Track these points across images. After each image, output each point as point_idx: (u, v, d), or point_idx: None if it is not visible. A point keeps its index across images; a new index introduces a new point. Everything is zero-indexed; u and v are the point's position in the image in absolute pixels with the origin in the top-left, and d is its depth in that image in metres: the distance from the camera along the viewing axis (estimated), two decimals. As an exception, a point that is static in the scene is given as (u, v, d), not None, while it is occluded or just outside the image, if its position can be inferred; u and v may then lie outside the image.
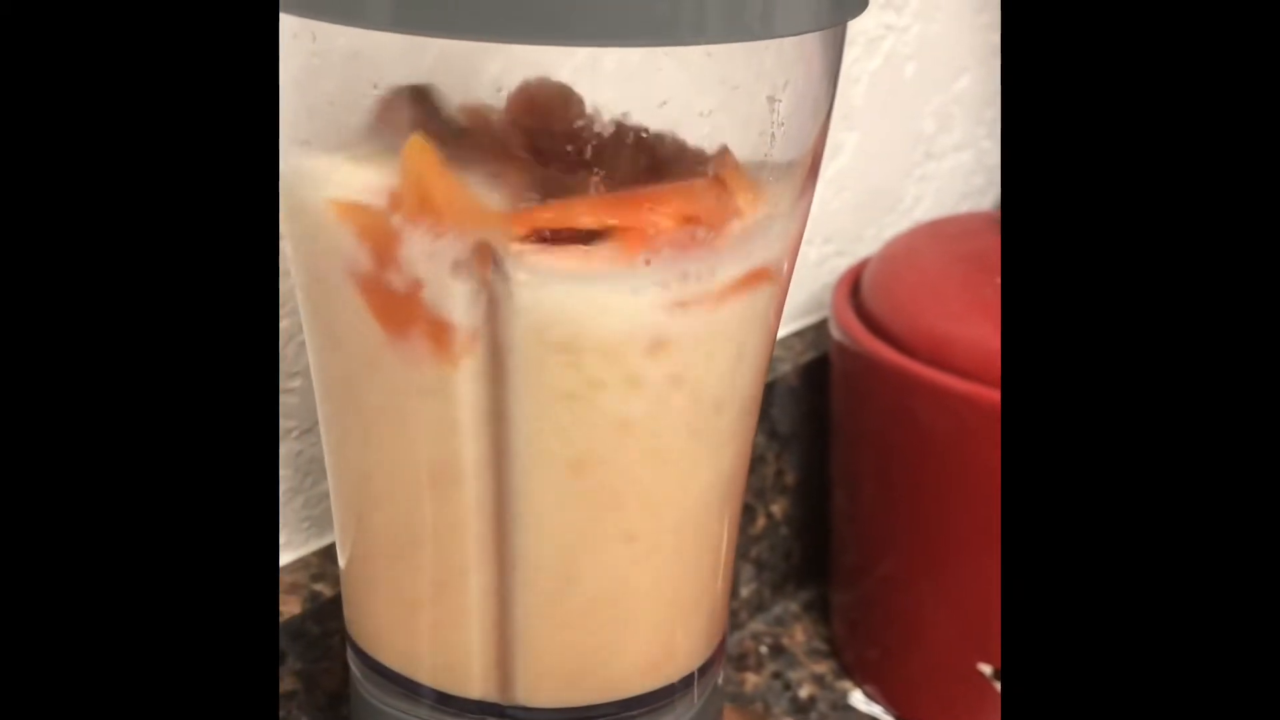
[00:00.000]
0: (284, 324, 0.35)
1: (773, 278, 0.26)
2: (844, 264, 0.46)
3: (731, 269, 0.25)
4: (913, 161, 0.49)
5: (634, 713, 0.28)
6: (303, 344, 0.36)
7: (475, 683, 0.27)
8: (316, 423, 0.37)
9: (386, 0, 0.21)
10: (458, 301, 0.24)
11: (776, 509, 0.46)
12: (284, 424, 0.36)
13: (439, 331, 0.24)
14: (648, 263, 0.24)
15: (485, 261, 0.23)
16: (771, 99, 0.24)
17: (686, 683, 0.29)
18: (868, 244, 0.48)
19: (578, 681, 0.27)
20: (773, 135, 0.24)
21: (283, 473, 0.36)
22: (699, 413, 0.26)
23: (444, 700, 0.28)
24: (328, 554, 0.37)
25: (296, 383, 0.36)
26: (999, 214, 0.45)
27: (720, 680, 0.30)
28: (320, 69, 0.24)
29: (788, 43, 0.23)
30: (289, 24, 0.23)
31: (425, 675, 0.28)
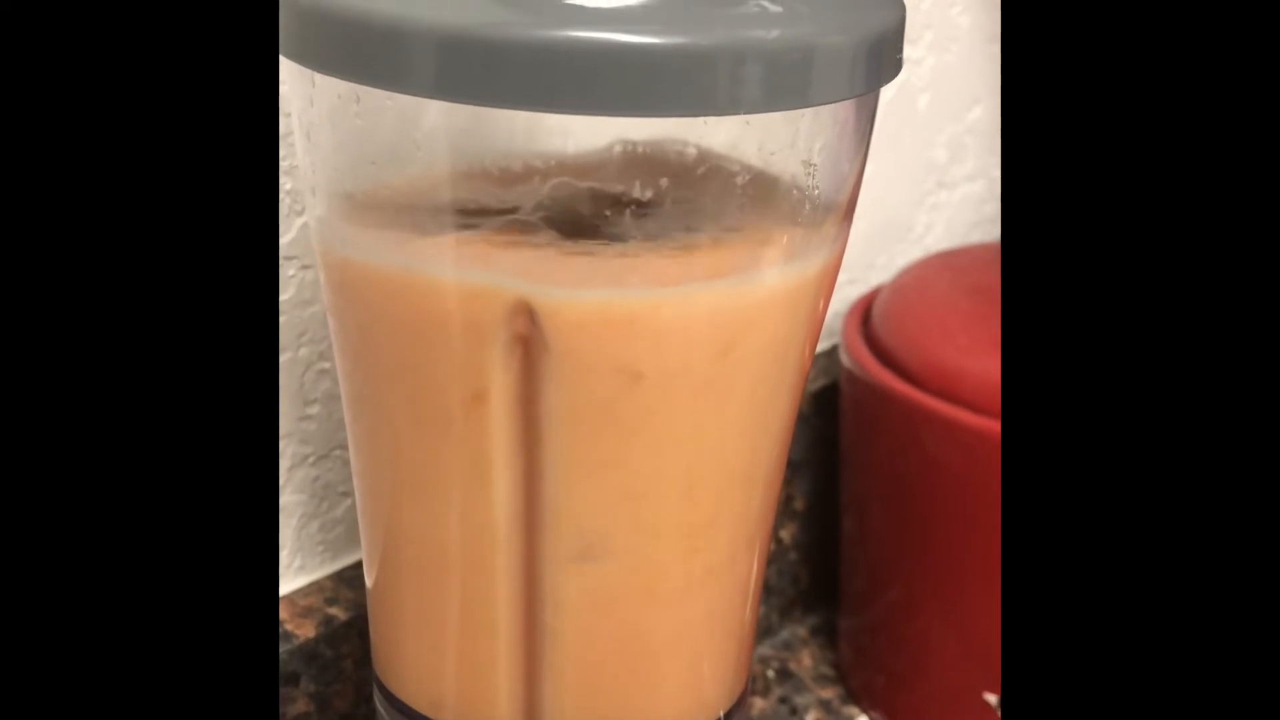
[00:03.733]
0: (303, 353, 0.35)
1: (809, 318, 0.26)
2: (855, 292, 0.47)
3: (768, 314, 0.25)
4: (925, 190, 0.50)
5: (660, 756, 0.28)
6: (321, 371, 0.36)
7: (501, 724, 0.28)
8: (333, 449, 0.37)
9: (429, 69, 0.21)
10: (495, 348, 0.24)
11: (785, 534, 0.46)
12: (301, 450, 0.36)
13: (475, 368, 0.25)
14: None
15: (523, 314, 0.24)
16: (807, 163, 0.24)
17: (713, 726, 0.29)
18: (879, 272, 0.49)
19: (604, 724, 0.28)
20: (807, 197, 0.25)
21: (298, 498, 0.37)
22: (735, 453, 0.26)
23: (470, 742, 0.28)
24: (341, 578, 0.38)
25: (314, 409, 0.36)
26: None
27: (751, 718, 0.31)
28: (364, 130, 0.25)
29: (823, 109, 0.24)
30: (332, 85, 0.24)
31: (451, 715, 0.28)
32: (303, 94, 0.25)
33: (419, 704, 0.29)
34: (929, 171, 0.49)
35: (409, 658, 0.29)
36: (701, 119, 0.23)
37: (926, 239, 0.50)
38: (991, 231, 0.52)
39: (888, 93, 0.46)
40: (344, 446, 0.37)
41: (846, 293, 0.48)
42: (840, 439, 0.44)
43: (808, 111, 0.24)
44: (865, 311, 0.44)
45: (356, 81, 0.22)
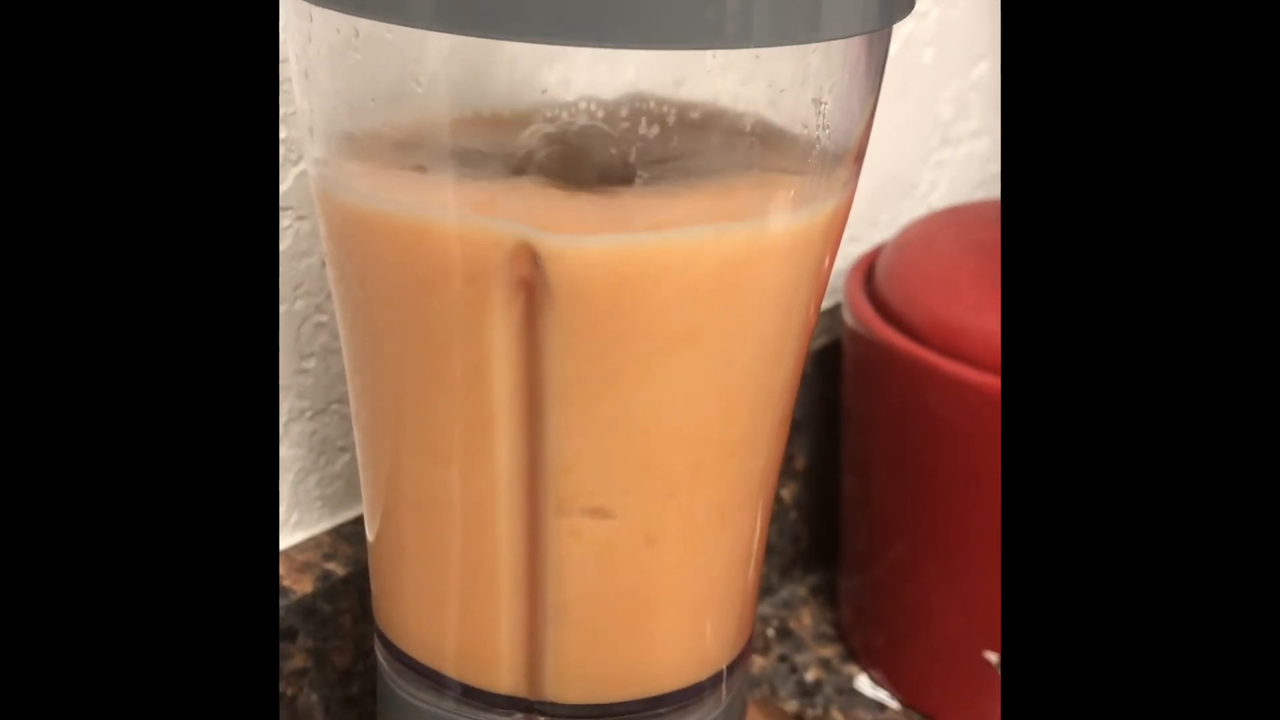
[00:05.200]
0: (299, 305, 0.35)
1: (815, 267, 0.26)
2: (858, 250, 0.46)
3: (773, 262, 0.25)
4: (929, 148, 0.49)
5: (661, 710, 0.28)
6: (318, 325, 0.35)
7: (503, 677, 0.27)
8: (330, 403, 0.37)
9: (430, -1, 0.21)
10: (497, 291, 0.24)
11: (786, 493, 0.46)
12: (298, 404, 0.36)
13: (476, 312, 0.24)
14: None
15: (526, 257, 0.23)
16: (817, 101, 0.24)
17: (715, 680, 0.29)
18: (882, 230, 0.48)
19: (606, 678, 0.27)
20: (818, 136, 0.24)
21: (296, 452, 0.36)
22: (739, 405, 0.26)
23: (470, 694, 0.28)
24: (340, 533, 0.37)
25: (311, 364, 0.36)
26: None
27: (748, 676, 0.30)
28: (364, 67, 0.24)
29: (834, 45, 0.23)
30: (331, 20, 0.23)
31: (452, 668, 0.28)
32: (300, 31, 0.24)
33: (421, 656, 0.28)
34: (934, 128, 0.49)
35: (410, 611, 0.28)
36: (710, 53, 0.22)
37: (931, 196, 0.50)
38: (996, 190, 0.52)
39: (892, 47, 0.46)
40: (341, 401, 0.37)
41: (849, 250, 0.47)
42: (842, 398, 0.44)
43: (818, 48, 0.23)
44: (868, 269, 0.43)
45: (354, 14, 0.22)
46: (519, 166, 0.24)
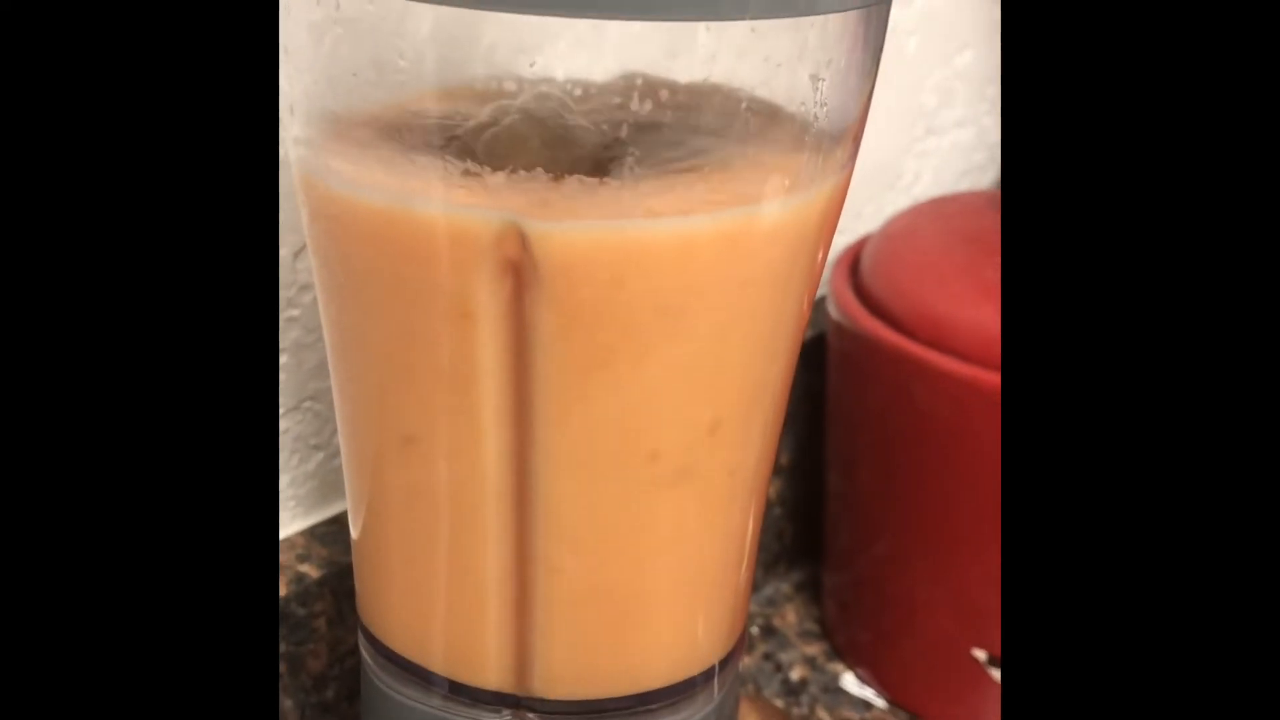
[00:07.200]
0: (274, 297, 0.34)
1: (810, 255, 0.25)
2: (843, 241, 0.46)
3: (769, 247, 0.24)
4: (913, 137, 0.49)
5: (653, 706, 0.27)
6: (289, 319, 0.35)
7: (490, 673, 0.27)
8: (303, 400, 0.36)
9: (415, -34, 0.20)
10: (483, 273, 0.23)
11: (770, 489, 0.46)
12: (271, 400, 0.35)
13: (463, 294, 0.23)
14: None
15: (514, 240, 0.23)
16: (815, 77, 0.23)
17: (707, 676, 0.28)
18: (867, 221, 0.48)
19: (596, 674, 0.27)
20: (815, 114, 0.23)
21: (270, 450, 0.35)
22: (732, 396, 0.25)
23: (458, 690, 0.27)
24: (314, 534, 0.36)
25: (283, 359, 0.35)
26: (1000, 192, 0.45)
27: (739, 672, 0.30)
28: (345, 40, 0.23)
29: (832, 20, 0.23)
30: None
31: (439, 664, 0.27)
32: (280, 5, 0.23)
33: (407, 652, 0.28)
34: (917, 117, 0.48)
35: (396, 605, 0.28)
36: (703, 28, 0.22)
37: (915, 188, 0.50)
38: (981, 180, 0.52)
39: (876, 36, 0.45)
40: (314, 398, 0.36)
41: (834, 242, 0.47)
42: (827, 391, 0.43)
43: (816, 22, 0.22)
44: (853, 261, 0.43)
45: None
46: (506, 146, 0.23)
